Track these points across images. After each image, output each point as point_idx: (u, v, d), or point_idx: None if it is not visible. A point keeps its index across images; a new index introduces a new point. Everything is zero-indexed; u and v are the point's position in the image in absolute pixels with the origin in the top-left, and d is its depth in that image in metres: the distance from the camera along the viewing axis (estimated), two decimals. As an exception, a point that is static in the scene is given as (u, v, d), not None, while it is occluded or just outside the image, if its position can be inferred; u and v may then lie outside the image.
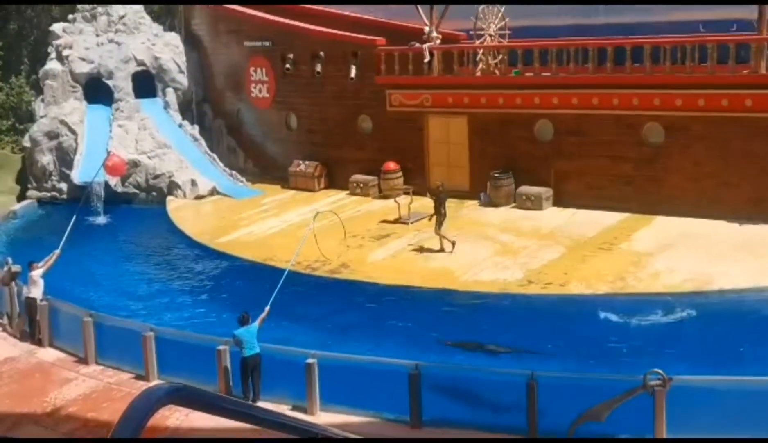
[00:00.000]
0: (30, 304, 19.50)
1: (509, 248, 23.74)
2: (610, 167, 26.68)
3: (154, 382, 16.87)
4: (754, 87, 24.36)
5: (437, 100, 30.14)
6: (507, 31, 30.80)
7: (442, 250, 23.73)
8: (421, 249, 24.09)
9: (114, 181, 32.03)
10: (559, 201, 27.48)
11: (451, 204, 28.53)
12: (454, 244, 23.64)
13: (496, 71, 29.74)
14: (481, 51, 29.85)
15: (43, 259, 20.05)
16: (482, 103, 29.11)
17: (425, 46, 30.36)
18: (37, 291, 19.46)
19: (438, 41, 31.01)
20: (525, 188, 27.75)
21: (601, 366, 16.18)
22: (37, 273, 19.55)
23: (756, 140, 24.21)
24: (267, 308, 16.13)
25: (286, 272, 17.53)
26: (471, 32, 30.76)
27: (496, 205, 28.08)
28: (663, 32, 27.37)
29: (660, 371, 12.84)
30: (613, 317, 18.91)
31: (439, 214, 23.64)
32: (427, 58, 30.20)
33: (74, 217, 20.49)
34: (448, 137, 30.15)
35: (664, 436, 12.91)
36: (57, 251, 20.03)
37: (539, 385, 13.44)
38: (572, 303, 20.04)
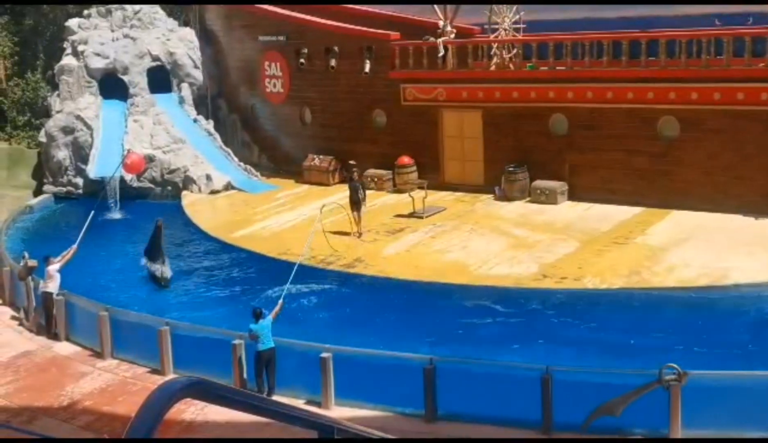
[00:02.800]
0: (46, 298, 19.63)
1: (523, 242, 23.71)
2: (624, 161, 26.59)
3: (170, 376, 16.96)
4: (770, 80, 24.23)
5: (451, 95, 30.11)
6: (521, 25, 30.70)
7: (359, 234, 25.13)
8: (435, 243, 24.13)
9: (130, 176, 32.18)
10: (574, 195, 27.41)
11: (465, 198, 28.69)
12: (360, 234, 25.02)
13: (511, 65, 29.67)
14: (495, 45, 29.79)
15: (60, 254, 20.17)
16: (496, 97, 29.07)
17: (439, 40, 30.33)
18: (53, 286, 19.58)
19: (452, 35, 30.97)
20: (539, 182, 27.69)
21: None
22: (53, 268, 19.67)
23: (772, 134, 24.09)
24: (281, 301, 16.21)
25: (296, 266, 17.61)
26: (485, 26, 30.71)
27: (510, 199, 28.04)
28: (678, 26, 27.23)
29: (675, 366, 12.82)
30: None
31: (353, 200, 25.50)
32: (441, 53, 30.16)
33: (92, 213, 20.61)
34: (463, 131, 30.13)
35: (679, 432, 12.89)
36: (74, 246, 20.15)
37: (554, 380, 13.44)
38: (585, 297, 20.01)
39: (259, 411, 2.71)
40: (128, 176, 32.43)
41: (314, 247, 21.63)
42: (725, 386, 13.51)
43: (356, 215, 25.52)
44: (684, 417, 12.87)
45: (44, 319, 19.90)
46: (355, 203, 25.55)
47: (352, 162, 29.42)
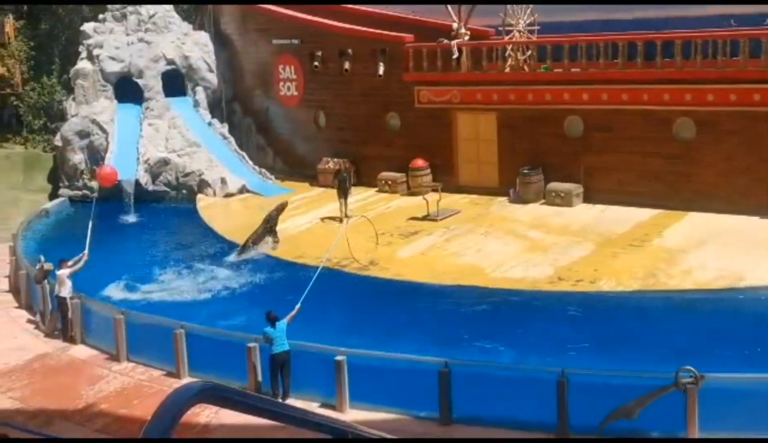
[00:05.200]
0: (61, 303, 19.72)
1: (539, 244, 23.64)
2: (640, 163, 26.48)
3: (185, 379, 16.98)
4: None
5: (466, 97, 30.07)
6: (536, 27, 30.65)
7: (341, 219, 26.94)
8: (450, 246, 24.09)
9: (146, 180, 32.41)
10: (589, 197, 27.32)
11: (480, 201, 28.62)
12: (341, 220, 26.79)
13: (525, 67, 29.62)
14: (509, 47, 29.74)
15: (73, 258, 20.24)
16: (511, 100, 29.01)
17: (453, 42, 30.30)
18: (65, 290, 19.66)
19: (466, 38, 30.93)
20: (554, 185, 27.61)
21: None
22: (64, 273, 19.75)
23: (789, 135, 23.95)
24: (298, 306, 16.15)
25: (318, 270, 17.57)
26: (499, 28, 30.65)
27: (525, 201, 27.97)
28: (694, 27, 27.11)
29: (692, 368, 12.74)
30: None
31: (340, 190, 27.80)
32: (455, 55, 30.14)
33: (90, 222, 20.69)
34: (477, 134, 30.08)
35: (696, 435, 12.80)
36: (85, 253, 20.19)
37: (570, 382, 13.37)
38: (601, 300, 19.93)
39: (273, 416, 2.69)
40: (143, 179, 32.66)
41: (328, 250, 21.62)
42: (742, 389, 13.42)
43: (343, 202, 27.89)
44: (701, 420, 12.79)
45: (60, 322, 19.99)
46: (343, 192, 27.96)
47: (342, 160, 30.86)
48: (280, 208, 26.38)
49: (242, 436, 13.41)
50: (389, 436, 2.89)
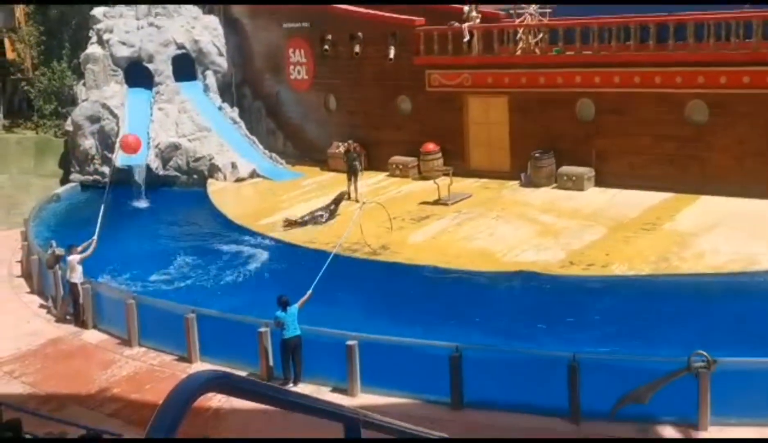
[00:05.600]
0: (72, 288, 19.81)
1: (550, 228, 23.57)
2: (652, 146, 26.34)
3: (197, 364, 17.05)
4: (801, 63, 23.88)
5: (477, 80, 29.93)
6: (547, 9, 30.46)
7: (355, 200, 27.44)
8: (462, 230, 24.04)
9: (156, 164, 32.48)
10: (601, 181, 27.20)
11: (492, 185, 28.55)
12: (357, 201, 27.07)
13: (537, 50, 29.45)
14: (521, 30, 29.57)
15: (82, 244, 20.29)
16: (522, 83, 28.87)
17: (465, 25, 30.13)
18: (75, 276, 19.74)
19: (477, 20, 30.74)
20: (566, 168, 27.50)
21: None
22: (74, 258, 19.81)
23: (803, 118, 23.77)
24: (310, 291, 16.16)
25: (331, 256, 17.56)
26: (511, 11, 30.47)
27: (536, 185, 27.88)
28: (707, 9, 26.85)
29: (704, 353, 12.69)
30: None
31: (349, 170, 28.40)
32: (466, 38, 29.97)
33: (102, 207, 20.70)
34: (488, 117, 29.96)
35: (708, 420, 12.76)
36: (94, 239, 20.23)
37: (581, 367, 13.34)
38: (613, 284, 19.87)
39: (283, 404, 2.66)
40: (154, 164, 32.70)
41: (340, 235, 21.61)
42: (755, 373, 13.35)
43: (354, 184, 28.38)
44: (713, 405, 12.75)
45: (72, 307, 20.08)
46: (353, 173, 28.48)
47: (349, 141, 30.57)
48: (339, 199, 26.80)
49: (255, 420, 13.44)
50: (399, 423, 2.85)
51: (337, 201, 26.72)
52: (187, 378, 2.47)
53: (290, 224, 26.01)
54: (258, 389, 2.68)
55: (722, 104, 25.01)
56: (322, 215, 26.17)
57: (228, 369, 16.53)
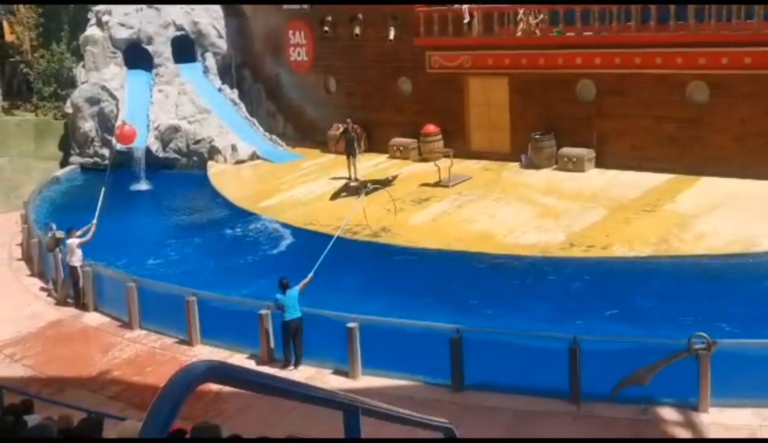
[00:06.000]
0: (72, 271, 19.83)
1: (551, 210, 23.55)
2: (653, 128, 26.28)
3: (198, 346, 17.08)
4: (803, 44, 23.78)
5: (477, 62, 29.83)
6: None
7: (354, 179, 27.78)
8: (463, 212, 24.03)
9: (156, 146, 32.44)
10: (602, 163, 27.15)
11: (492, 167, 28.50)
12: (357, 181, 27.38)
13: (537, 31, 29.31)
14: (521, 11, 29.42)
15: (82, 228, 20.26)
16: (523, 64, 28.78)
17: (465, 6, 29.97)
18: (75, 259, 19.76)
19: (478, 1, 30.59)
20: (567, 150, 27.44)
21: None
22: (73, 242, 19.82)
23: (804, 98, 23.69)
24: (311, 274, 16.14)
25: (334, 239, 17.53)
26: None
27: (537, 167, 27.83)
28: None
29: (704, 334, 12.70)
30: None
31: (348, 149, 28.49)
32: (466, 19, 29.83)
33: (103, 190, 20.64)
34: (489, 99, 29.88)
35: (708, 401, 12.78)
36: (94, 223, 20.20)
37: (581, 349, 13.36)
38: (613, 266, 19.87)
39: (282, 393, 2.65)
40: (154, 146, 32.67)
41: (340, 217, 21.59)
42: (755, 355, 13.37)
43: (353, 162, 28.58)
44: (713, 387, 12.77)
45: (73, 290, 20.11)
46: (351, 152, 28.58)
47: (348, 120, 30.15)
48: (388, 181, 27.09)
49: (256, 403, 13.44)
50: (399, 410, 2.84)
51: (382, 183, 26.98)
52: (184, 369, 2.46)
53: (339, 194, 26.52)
54: (256, 378, 2.67)
55: (723, 85, 24.93)
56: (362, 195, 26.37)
57: (229, 352, 16.63)
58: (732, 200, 22.85)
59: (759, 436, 12.12)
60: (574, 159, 27.13)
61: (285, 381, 2.75)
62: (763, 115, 24.39)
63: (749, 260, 19.28)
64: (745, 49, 24.44)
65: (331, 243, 17.05)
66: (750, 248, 19.68)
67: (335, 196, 26.24)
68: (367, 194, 25.29)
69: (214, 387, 14.24)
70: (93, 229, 20.16)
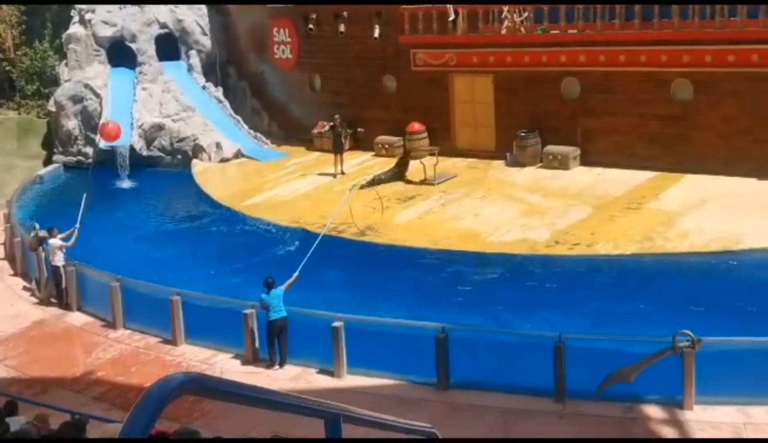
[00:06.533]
0: (55, 271, 19.71)
1: (536, 208, 23.56)
2: (638, 125, 26.31)
3: (182, 346, 17.01)
4: (786, 42, 23.86)
5: (462, 59, 29.82)
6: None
7: (341, 173, 28.63)
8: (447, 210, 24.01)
9: (140, 145, 32.34)
10: (586, 160, 27.17)
11: (478, 165, 28.50)
12: (342, 174, 28.34)
13: (522, 29, 29.32)
14: (506, 8, 29.42)
15: (65, 232, 20.10)
16: (508, 62, 28.77)
17: (449, 4, 29.94)
18: (57, 259, 19.64)
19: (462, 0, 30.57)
20: (551, 148, 27.46)
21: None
22: (55, 242, 19.70)
23: (787, 96, 23.76)
24: (296, 273, 16.08)
25: (320, 237, 17.48)
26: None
27: (522, 165, 27.83)
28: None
29: (689, 332, 12.72)
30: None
31: (335, 145, 29.32)
32: (451, 17, 29.80)
33: (84, 195, 20.52)
34: (474, 97, 29.86)
35: (693, 399, 12.81)
36: (76, 227, 20.05)
37: (567, 347, 13.36)
38: (598, 264, 19.90)
39: (262, 404, 2.60)
40: (138, 145, 32.53)
41: (325, 215, 21.54)
42: (740, 352, 13.41)
43: (339, 158, 29.13)
44: (698, 384, 12.80)
45: (56, 290, 19.98)
46: (338, 147, 29.29)
47: (336, 116, 30.39)
48: (405, 162, 27.81)
49: (239, 405, 13.35)
50: (382, 416, 2.80)
51: (403, 163, 27.58)
52: (160, 381, 2.41)
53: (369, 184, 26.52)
54: (235, 389, 2.61)
55: (707, 83, 24.99)
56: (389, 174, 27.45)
57: (213, 352, 16.57)
58: (716, 197, 22.91)
59: (743, 434, 12.15)
60: (559, 157, 27.15)
61: (264, 391, 2.70)
62: (747, 112, 24.48)
63: (733, 257, 19.33)
64: (728, 46, 24.51)
65: (316, 243, 17.01)
66: (734, 245, 19.73)
67: (369, 185, 26.26)
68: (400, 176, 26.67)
69: (198, 387, 14.18)
70: (75, 234, 20.00)
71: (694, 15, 25.14)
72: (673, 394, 13.03)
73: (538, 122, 27.99)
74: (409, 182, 27.08)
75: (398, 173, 27.32)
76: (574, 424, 12.81)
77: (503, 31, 29.36)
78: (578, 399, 13.39)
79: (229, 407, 13.71)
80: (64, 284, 19.65)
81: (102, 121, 30.49)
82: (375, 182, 26.50)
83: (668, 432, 12.52)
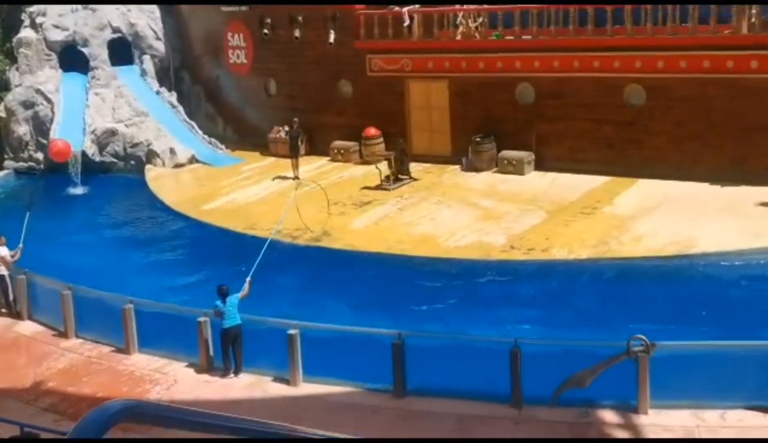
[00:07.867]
0: (0, 280, 19.33)
1: (491, 213, 23.62)
2: (591, 130, 26.52)
3: (135, 355, 16.76)
4: (736, 48, 24.16)
5: (417, 65, 29.84)
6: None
7: (296, 178, 28.25)
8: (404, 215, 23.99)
9: (93, 151, 31.90)
10: (541, 165, 27.32)
11: (433, 170, 28.51)
12: (296, 178, 28.22)
13: (477, 34, 29.42)
14: (461, 14, 29.51)
15: (13, 250, 19.72)
16: (463, 67, 28.84)
17: (404, 9, 29.95)
18: (3, 268, 19.28)
19: (417, 5, 30.58)
20: (507, 153, 27.56)
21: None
22: (2, 252, 19.34)
23: (738, 101, 24.07)
24: (248, 279, 15.92)
25: (267, 242, 17.35)
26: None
27: (477, 169, 27.89)
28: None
29: (643, 337, 12.80)
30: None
31: (291, 148, 29.26)
32: (406, 22, 29.81)
33: (27, 215, 20.19)
34: (429, 102, 29.89)
35: (648, 403, 12.89)
36: (20, 247, 19.70)
37: (522, 353, 13.37)
38: (553, 269, 19.99)
39: (206, 429, 2.51)
40: (90, 150, 32.10)
41: (283, 222, 21.39)
42: (694, 356, 13.53)
43: (294, 161, 29.03)
44: (652, 388, 12.88)
45: (3, 299, 19.59)
46: (293, 150, 29.20)
47: (295, 119, 30.26)
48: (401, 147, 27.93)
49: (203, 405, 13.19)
50: (338, 436, 2.73)
51: (402, 153, 27.62)
52: (96, 410, 2.30)
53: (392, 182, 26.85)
54: (177, 415, 2.51)
55: (660, 88, 25.26)
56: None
57: (167, 360, 16.34)
58: (669, 201, 23.14)
59: (696, 436, 12.24)
60: (514, 162, 27.26)
61: (209, 416, 2.61)
62: (699, 117, 24.77)
63: (687, 261, 19.51)
64: (680, 52, 24.79)
65: (264, 247, 16.85)
66: (687, 249, 19.93)
67: (378, 186, 26.65)
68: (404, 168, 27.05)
69: (152, 396, 13.99)
70: (18, 255, 19.64)
71: (647, 20, 25.39)
72: (628, 399, 13.09)
73: (493, 127, 28.08)
74: (367, 187, 27.01)
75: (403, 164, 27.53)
76: (530, 429, 12.82)
77: (458, 37, 29.46)
78: (534, 404, 13.40)
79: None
80: (12, 296, 19.28)
81: (51, 138, 30.06)
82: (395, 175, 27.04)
83: (623, 436, 12.59)
